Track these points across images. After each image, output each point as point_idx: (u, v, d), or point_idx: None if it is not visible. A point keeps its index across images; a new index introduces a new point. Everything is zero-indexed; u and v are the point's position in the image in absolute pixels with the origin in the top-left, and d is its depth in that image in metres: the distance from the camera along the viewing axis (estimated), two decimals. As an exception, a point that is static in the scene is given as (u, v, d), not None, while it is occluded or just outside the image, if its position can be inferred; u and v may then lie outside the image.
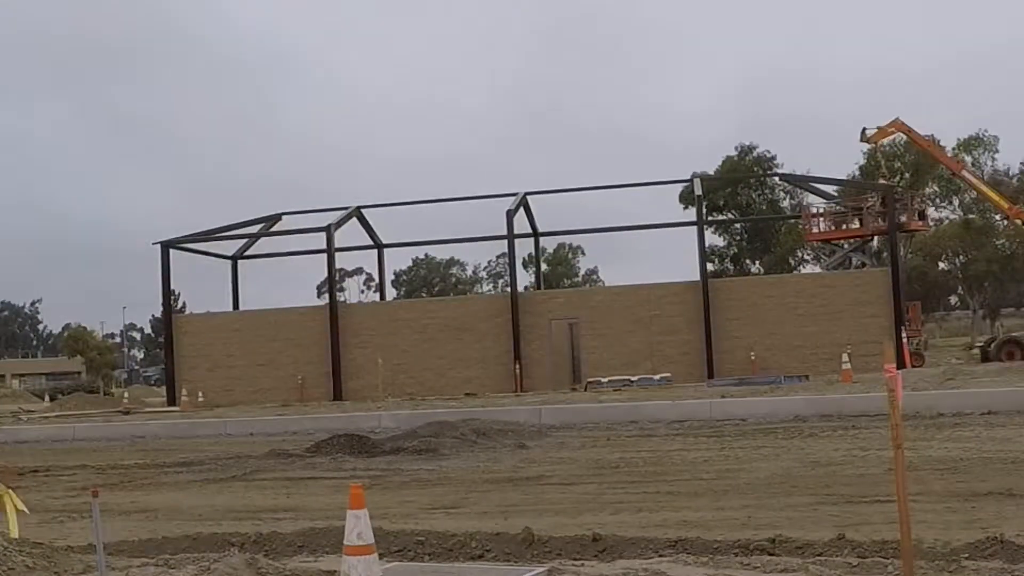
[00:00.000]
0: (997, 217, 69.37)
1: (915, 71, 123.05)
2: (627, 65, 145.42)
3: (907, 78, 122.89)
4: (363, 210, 42.82)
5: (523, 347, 36.24)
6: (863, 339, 33.56)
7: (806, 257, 75.78)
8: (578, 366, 36.99)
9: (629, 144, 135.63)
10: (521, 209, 40.10)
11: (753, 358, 34.53)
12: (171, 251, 40.26)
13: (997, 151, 71.72)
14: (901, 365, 31.33)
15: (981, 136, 71.88)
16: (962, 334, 76.97)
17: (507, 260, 45.12)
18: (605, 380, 32.02)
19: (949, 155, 58.57)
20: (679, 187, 62.57)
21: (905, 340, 33.88)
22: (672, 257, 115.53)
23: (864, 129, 40.22)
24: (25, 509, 6.52)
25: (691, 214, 47.95)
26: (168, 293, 41.01)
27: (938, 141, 71.56)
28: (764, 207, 74.06)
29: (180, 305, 77.01)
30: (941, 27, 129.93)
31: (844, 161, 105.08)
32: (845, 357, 29.90)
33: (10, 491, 6.42)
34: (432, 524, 9.62)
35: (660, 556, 7.71)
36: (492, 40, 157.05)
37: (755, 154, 75.87)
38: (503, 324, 36.78)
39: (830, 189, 46.36)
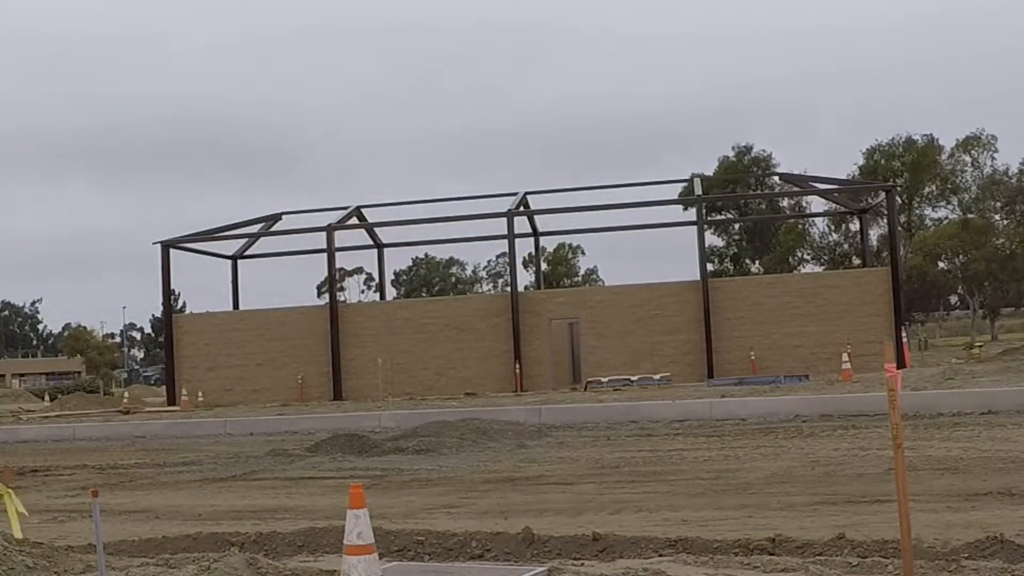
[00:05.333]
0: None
1: (913, 70, 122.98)
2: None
3: (906, 78, 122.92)
4: (363, 210, 42.82)
5: (523, 347, 36.23)
6: (863, 339, 33.56)
7: (806, 257, 75.91)
8: (578, 366, 36.97)
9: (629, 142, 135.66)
10: (521, 209, 40.07)
11: (753, 358, 34.53)
12: (171, 251, 40.25)
13: (996, 151, 71.74)
14: (901, 365, 31.37)
15: (979, 135, 71.90)
16: (962, 334, 77.00)
17: (507, 260, 45.14)
18: (605, 380, 32.02)
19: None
20: (679, 187, 62.56)
21: (905, 339, 33.93)
22: (672, 257, 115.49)
23: None
24: (24, 511, 6.51)
25: (691, 214, 47.96)
26: (168, 293, 40.99)
27: (937, 140, 71.82)
28: (763, 207, 74.14)
29: (180, 305, 77.09)
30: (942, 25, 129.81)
31: (843, 160, 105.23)
32: (845, 357, 29.92)
33: (10, 491, 6.42)
34: (432, 524, 9.62)
35: (660, 556, 7.71)
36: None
37: (752, 154, 75.95)
38: (503, 324, 36.77)
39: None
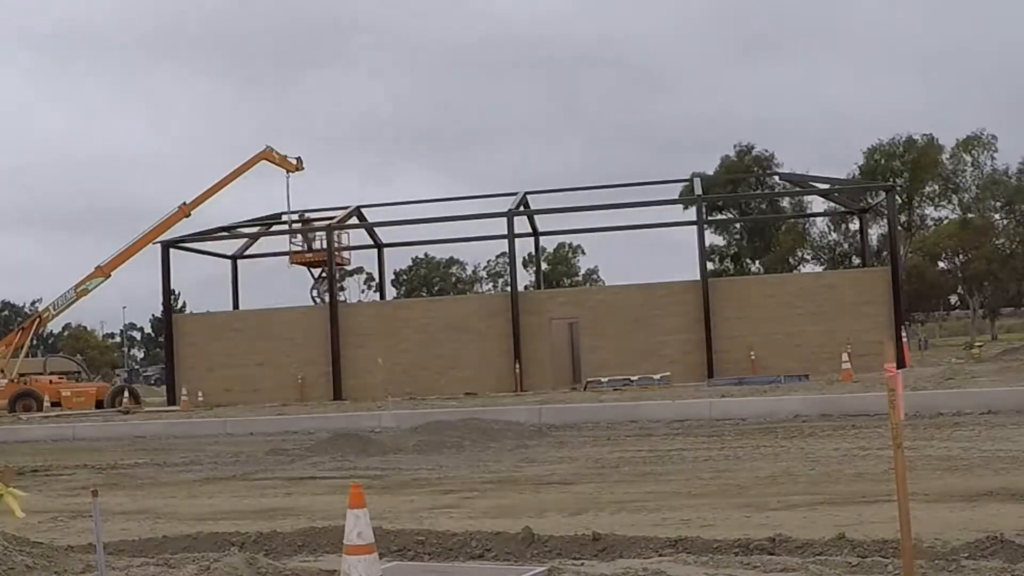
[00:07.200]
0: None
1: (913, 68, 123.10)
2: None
3: (906, 76, 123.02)
4: (363, 209, 42.84)
5: (523, 347, 36.23)
6: (863, 339, 33.55)
7: (806, 257, 75.92)
8: (578, 366, 36.97)
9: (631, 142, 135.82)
10: (521, 209, 40.07)
11: (753, 358, 34.53)
12: (171, 251, 40.24)
13: (996, 151, 71.70)
14: (901, 365, 31.37)
15: (980, 135, 71.87)
16: (962, 334, 77.04)
17: (507, 260, 45.17)
18: (605, 380, 32.00)
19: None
20: (679, 186, 62.60)
21: (905, 339, 33.94)
22: (672, 257, 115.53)
23: None
24: (20, 512, 6.50)
25: (691, 214, 47.97)
26: (168, 293, 40.99)
27: (937, 140, 71.76)
28: (764, 206, 74.15)
29: (180, 305, 77.06)
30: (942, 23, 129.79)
31: (844, 160, 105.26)
32: (845, 357, 29.90)
33: (10, 490, 6.43)
34: (432, 524, 9.62)
35: (660, 556, 7.71)
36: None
37: (753, 153, 75.96)
38: (503, 324, 36.78)
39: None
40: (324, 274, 41.05)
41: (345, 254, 44.00)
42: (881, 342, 30.24)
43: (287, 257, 42.98)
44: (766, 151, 75.80)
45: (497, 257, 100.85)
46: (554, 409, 23.07)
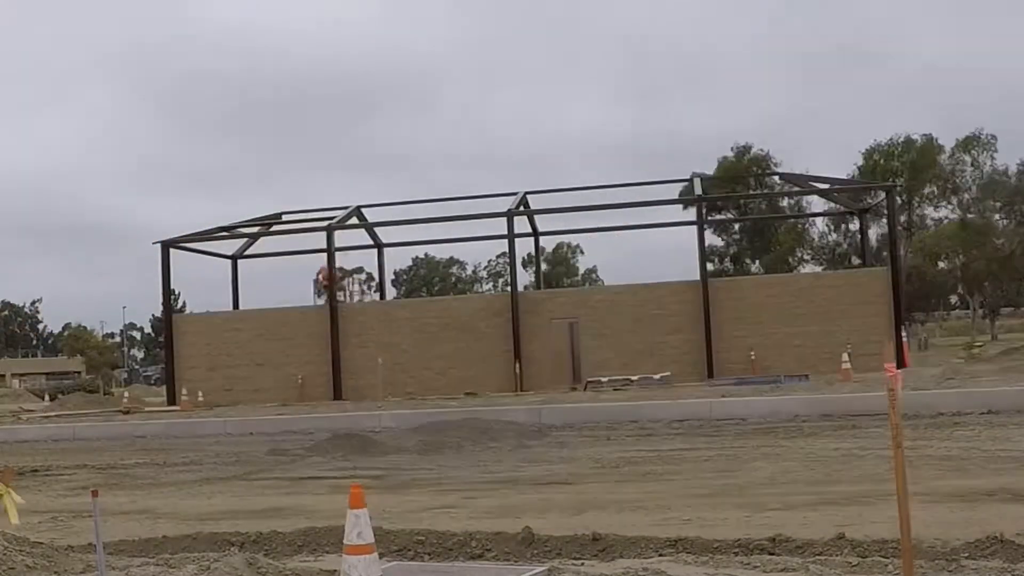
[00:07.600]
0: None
1: (912, 68, 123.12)
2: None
3: (906, 75, 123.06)
4: (363, 209, 42.82)
5: (523, 347, 36.22)
6: (863, 339, 33.54)
7: (806, 257, 75.88)
8: (578, 366, 36.94)
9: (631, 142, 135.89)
10: (521, 209, 40.06)
11: (753, 358, 34.52)
12: (171, 250, 40.24)
13: (996, 151, 71.63)
14: (901, 365, 31.36)
15: (979, 135, 71.82)
16: (962, 334, 77.01)
17: (507, 260, 45.16)
18: (605, 379, 32.01)
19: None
20: (679, 186, 62.60)
21: (905, 339, 33.93)
22: (672, 257, 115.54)
23: None
24: (21, 500, 6.51)
25: (691, 214, 47.96)
26: (168, 293, 40.97)
27: (936, 140, 71.69)
28: (763, 206, 74.11)
29: (180, 305, 77.08)
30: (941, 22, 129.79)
31: (843, 160, 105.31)
32: (845, 357, 29.92)
33: (10, 490, 6.43)
34: (432, 524, 9.61)
35: (660, 556, 7.71)
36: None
37: (752, 154, 75.93)
38: (503, 323, 36.77)
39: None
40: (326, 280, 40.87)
41: (348, 286, 43.76)
42: (881, 342, 30.34)
43: (287, 257, 43.00)
44: (763, 151, 75.82)
45: (497, 257, 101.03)
46: (554, 409, 23.07)
